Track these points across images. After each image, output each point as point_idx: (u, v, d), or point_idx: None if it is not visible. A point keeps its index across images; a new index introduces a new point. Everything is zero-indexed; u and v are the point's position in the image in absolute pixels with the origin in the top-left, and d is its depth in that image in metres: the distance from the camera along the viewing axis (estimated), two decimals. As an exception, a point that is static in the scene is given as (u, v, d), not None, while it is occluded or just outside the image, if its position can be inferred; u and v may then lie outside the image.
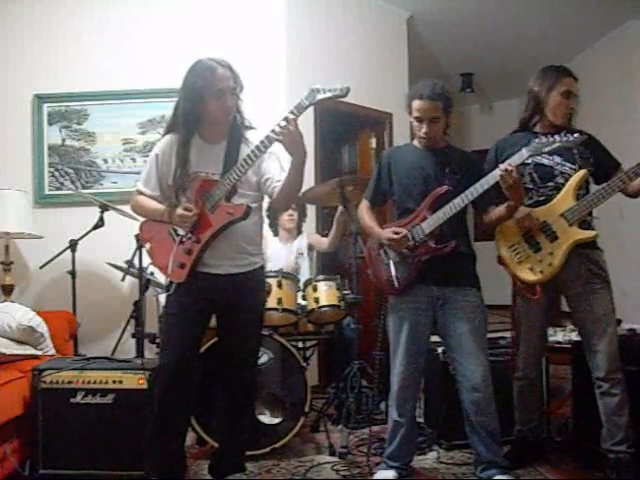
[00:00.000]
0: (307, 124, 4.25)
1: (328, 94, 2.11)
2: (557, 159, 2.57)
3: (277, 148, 2.28)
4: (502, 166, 2.35)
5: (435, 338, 2.67)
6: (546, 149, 2.33)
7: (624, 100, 5.54)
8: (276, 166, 2.37)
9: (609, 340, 2.48)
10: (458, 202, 2.44)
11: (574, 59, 6.30)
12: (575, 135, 2.33)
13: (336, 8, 4.68)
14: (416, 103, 2.48)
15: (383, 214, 2.95)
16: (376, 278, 2.68)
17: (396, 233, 2.51)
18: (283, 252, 3.80)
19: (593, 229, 2.56)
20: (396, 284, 2.56)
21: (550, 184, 2.58)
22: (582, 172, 2.52)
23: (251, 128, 2.43)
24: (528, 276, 2.58)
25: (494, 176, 2.37)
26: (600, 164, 2.59)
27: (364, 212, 2.72)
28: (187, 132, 2.35)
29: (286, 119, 2.14)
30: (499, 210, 2.51)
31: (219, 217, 2.30)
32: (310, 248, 3.85)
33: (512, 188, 2.36)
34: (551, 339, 3.51)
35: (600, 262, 2.55)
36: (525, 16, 5.32)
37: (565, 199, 2.52)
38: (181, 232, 2.36)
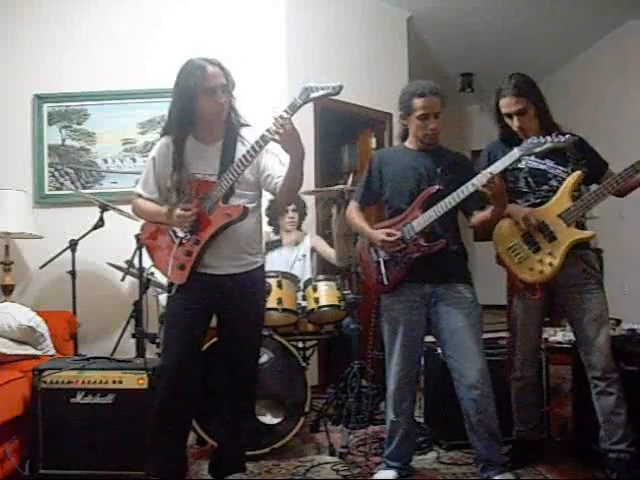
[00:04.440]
0: (307, 124, 4.25)
1: (321, 92, 2.11)
2: (550, 163, 2.58)
3: (274, 145, 2.27)
4: (485, 172, 2.34)
5: (432, 338, 2.67)
6: (537, 149, 2.33)
7: (624, 100, 5.54)
8: (275, 162, 2.38)
9: (604, 340, 2.48)
10: (449, 201, 2.45)
11: (574, 59, 6.31)
12: (567, 136, 2.33)
13: (336, 8, 4.68)
14: (420, 100, 2.51)
15: (378, 214, 2.95)
16: (366, 276, 2.70)
17: (389, 235, 2.51)
18: (285, 251, 3.79)
19: (586, 230, 2.57)
20: (385, 282, 2.57)
21: (545, 187, 2.59)
22: (577, 173, 2.52)
23: (246, 125, 2.44)
24: (528, 276, 2.58)
25: (479, 180, 2.36)
26: (590, 165, 2.59)
27: (354, 213, 2.72)
28: (181, 133, 2.35)
29: (280, 118, 2.14)
30: (483, 214, 2.51)
31: (217, 218, 2.31)
32: (312, 250, 3.84)
33: (496, 196, 2.37)
34: (551, 339, 3.52)
35: (593, 262, 2.56)
36: (525, 16, 5.33)
37: (561, 200, 2.52)
38: (180, 234, 2.37)
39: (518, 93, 2.56)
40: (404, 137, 2.67)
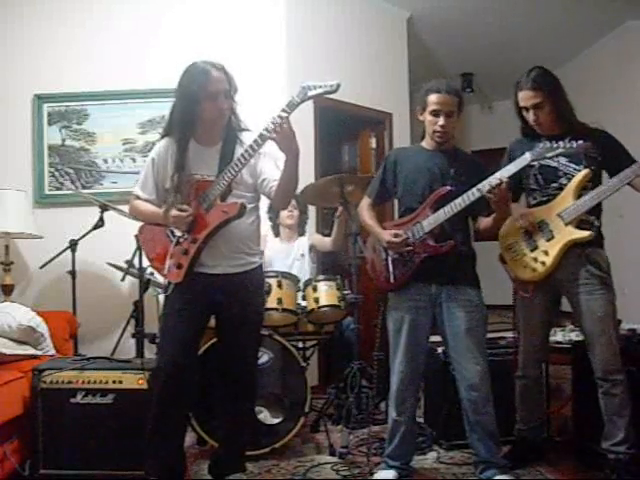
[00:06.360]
0: (307, 124, 4.26)
1: (319, 90, 2.11)
2: (562, 160, 2.55)
3: (272, 148, 2.28)
4: (494, 178, 2.36)
5: (435, 338, 2.68)
6: (549, 154, 2.34)
7: (624, 100, 5.54)
8: (271, 166, 2.38)
9: (607, 341, 2.47)
10: (459, 202, 2.45)
11: (574, 59, 6.30)
12: (579, 142, 2.34)
13: (336, 8, 4.68)
14: (433, 96, 2.51)
15: (383, 212, 2.96)
16: (374, 273, 2.70)
17: (396, 236, 2.52)
18: (284, 252, 3.78)
19: (597, 228, 2.53)
20: (392, 280, 2.57)
21: (554, 185, 2.57)
22: (584, 172, 2.50)
23: (246, 130, 2.44)
24: (522, 274, 2.60)
25: (484, 185, 2.38)
26: (610, 162, 2.52)
27: (364, 210, 2.73)
28: (183, 135, 2.36)
29: (279, 117, 2.14)
30: (486, 221, 2.54)
31: (214, 216, 2.31)
32: (311, 249, 3.84)
33: (498, 203, 2.38)
34: (551, 339, 3.49)
35: (600, 263, 2.52)
36: (525, 16, 5.33)
37: (565, 199, 2.52)
38: (178, 232, 2.37)
39: (535, 87, 2.54)
40: (424, 136, 2.67)
